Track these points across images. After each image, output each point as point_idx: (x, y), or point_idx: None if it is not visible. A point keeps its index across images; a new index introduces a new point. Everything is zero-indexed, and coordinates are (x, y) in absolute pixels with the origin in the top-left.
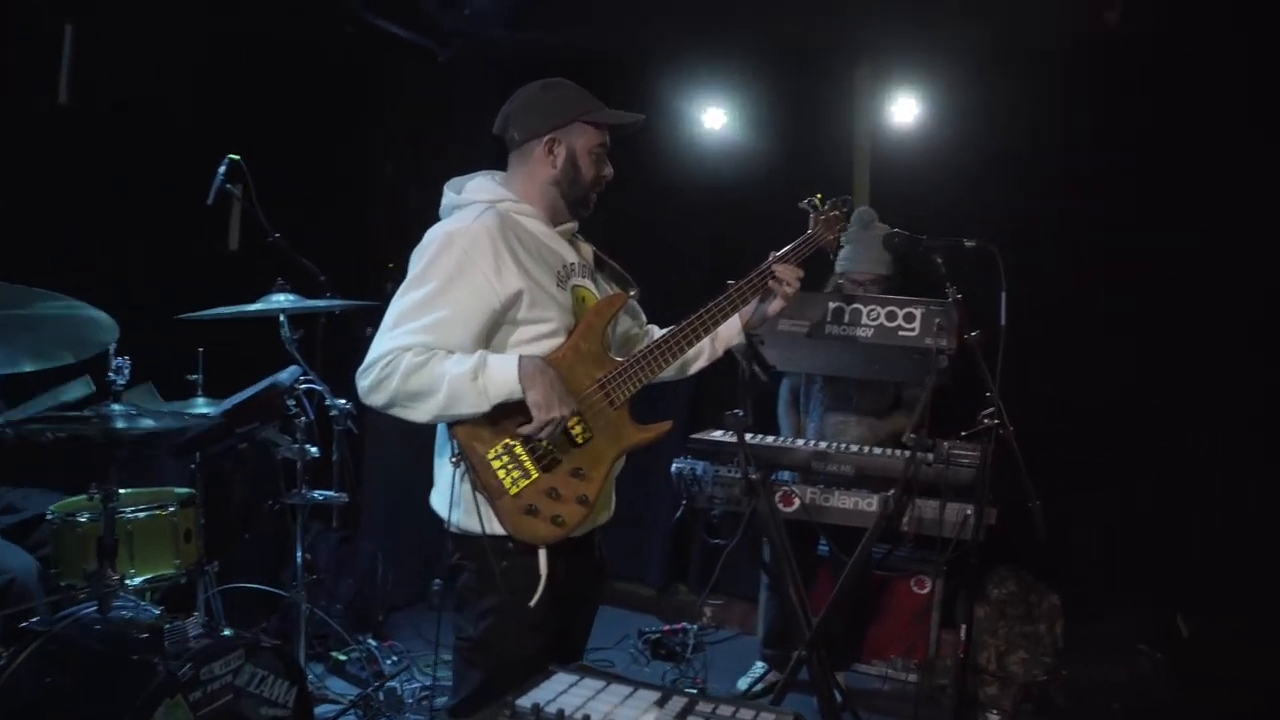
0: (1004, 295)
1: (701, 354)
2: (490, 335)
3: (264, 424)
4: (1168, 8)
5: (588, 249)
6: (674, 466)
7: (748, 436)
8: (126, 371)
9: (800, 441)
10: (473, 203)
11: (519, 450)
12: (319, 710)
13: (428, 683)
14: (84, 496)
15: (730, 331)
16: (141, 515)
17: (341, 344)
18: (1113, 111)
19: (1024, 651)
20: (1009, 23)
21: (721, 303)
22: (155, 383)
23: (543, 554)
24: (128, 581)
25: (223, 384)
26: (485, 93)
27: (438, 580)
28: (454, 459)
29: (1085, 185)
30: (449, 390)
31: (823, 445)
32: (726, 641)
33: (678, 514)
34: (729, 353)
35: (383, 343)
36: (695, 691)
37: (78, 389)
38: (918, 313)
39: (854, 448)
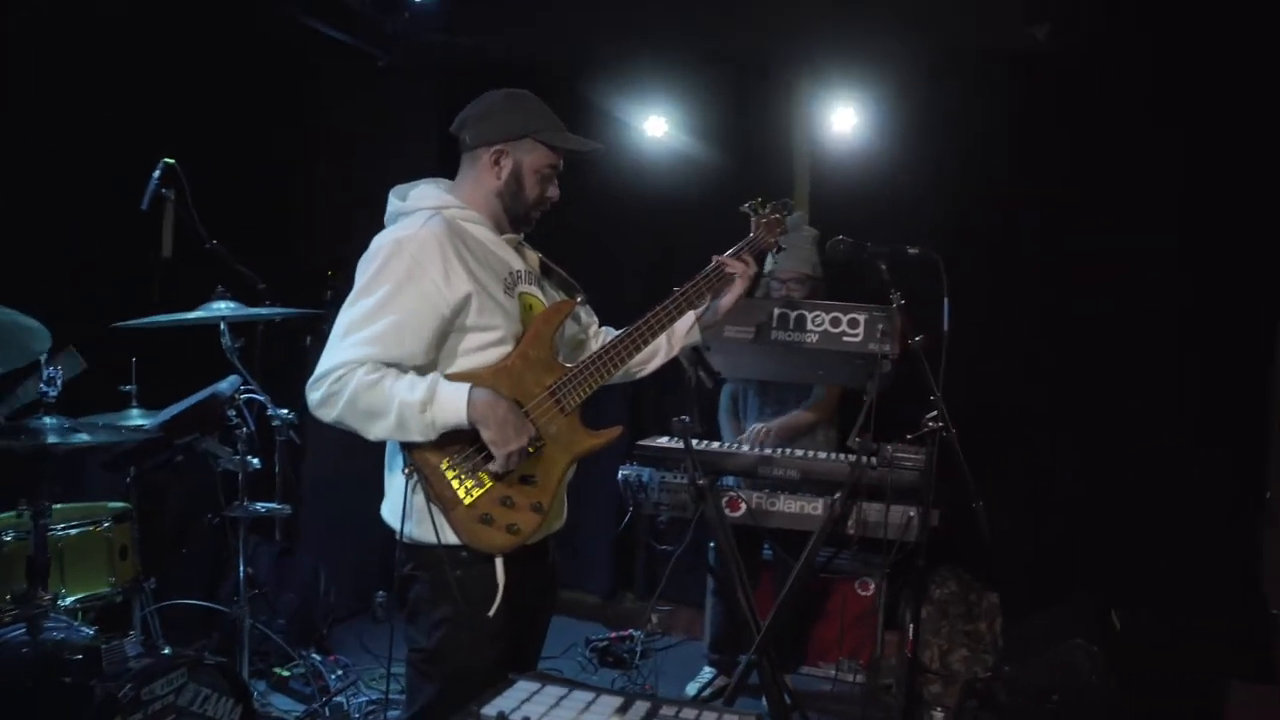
0: (946, 301)
1: (657, 354)
2: (440, 342)
3: (204, 435)
4: (1094, 26)
5: (534, 256)
6: (620, 473)
7: (694, 443)
8: (59, 382)
9: (745, 446)
10: (418, 209)
11: (473, 459)
12: None
13: (375, 697)
14: (12, 513)
15: (684, 329)
16: (73, 532)
17: (280, 353)
18: (1045, 122)
19: (966, 650)
20: (944, 36)
21: (669, 306)
22: (87, 394)
23: (499, 563)
24: (59, 602)
25: (157, 394)
26: (422, 99)
27: (381, 592)
28: (406, 470)
29: (1020, 192)
30: (398, 416)
31: (768, 450)
32: (673, 648)
33: (624, 520)
34: (674, 360)
35: (333, 354)
36: (655, 697)
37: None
38: (861, 318)
39: (799, 452)
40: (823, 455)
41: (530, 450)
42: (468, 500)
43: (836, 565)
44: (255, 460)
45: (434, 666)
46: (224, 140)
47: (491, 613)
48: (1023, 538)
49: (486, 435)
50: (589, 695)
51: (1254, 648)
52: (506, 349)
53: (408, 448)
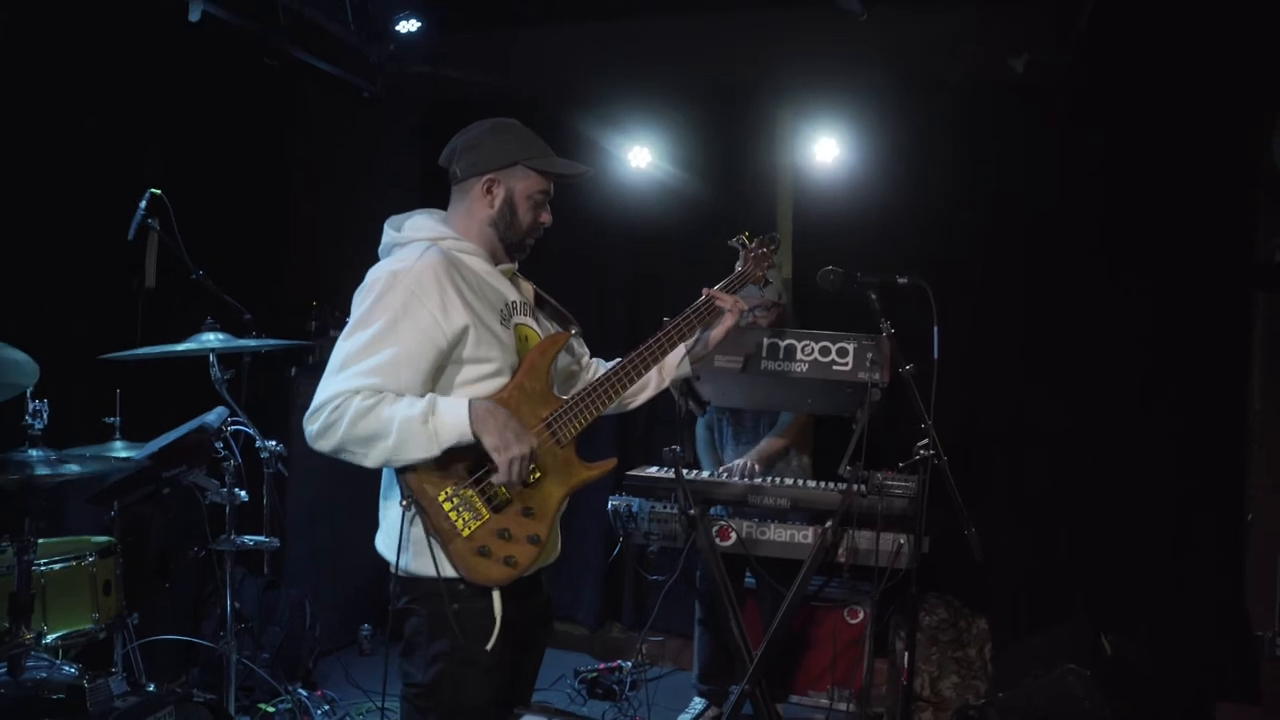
0: (936, 329)
1: (647, 386)
2: (437, 375)
3: (192, 467)
4: (1072, 58)
5: (528, 287)
6: (610, 503)
7: (684, 472)
8: (45, 415)
9: (735, 476)
10: (414, 240)
11: (469, 492)
12: None
13: None
14: None
15: (675, 361)
16: (57, 567)
17: (265, 384)
18: (1024, 151)
19: (956, 676)
20: (924, 68)
21: (661, 339)
22: (70, 426)
23: (497, 596)
24: (41, 640)
25: (140, 427)
26: (406, 131)
27: (366, 626)
28: (404, 502)
29: (1000, 221)
30: (399, 434)
31: (758, 479)
32: (662, 678)
33: (615, 551)
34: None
35: (330, 386)
36: None
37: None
38: (850, 347)
39: (789, 481)
40: (813, 484)
41: (532, 470)
42: (465, 532)
43: (826, 593)
44: (243, 493)
45: (430, 702)
46: (209, 170)
47: (489, 646)
48: (1011, 563)
49: (488, 442)
50: None
51: (1239, 669)
52: (502, 381)
53: (404, 479)
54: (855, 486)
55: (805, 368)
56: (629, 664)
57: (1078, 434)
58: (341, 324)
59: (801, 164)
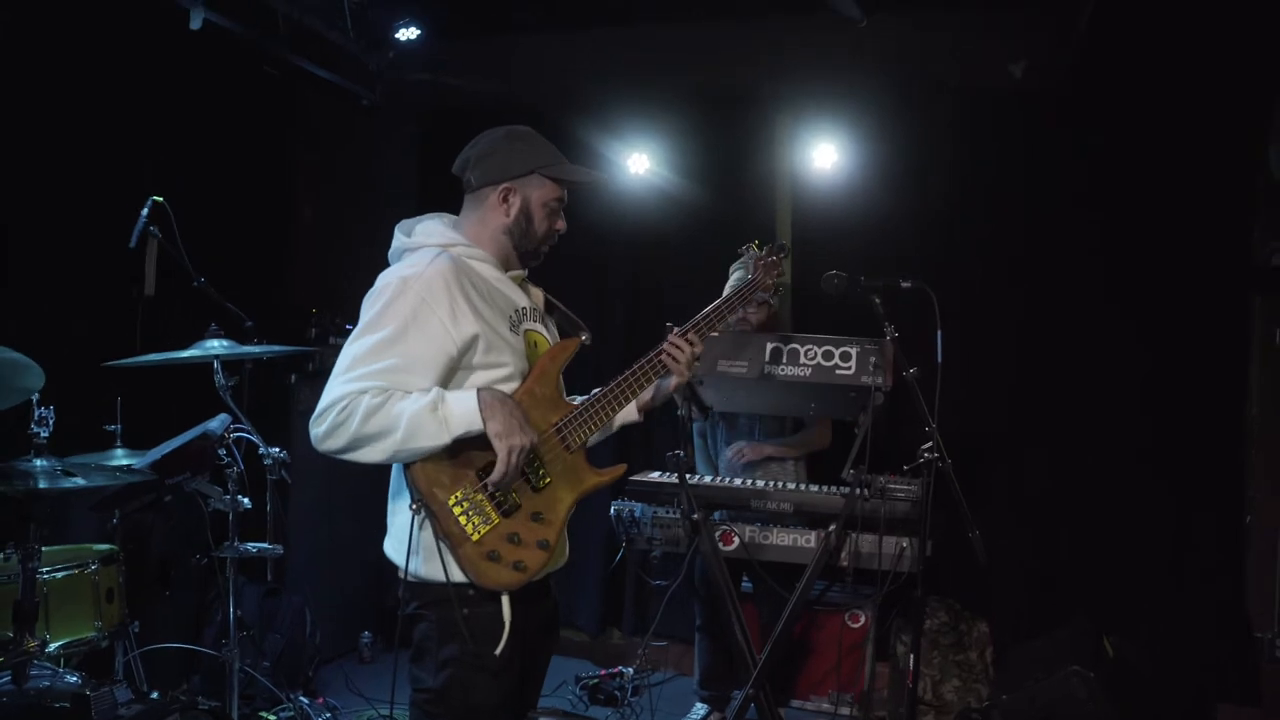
0: (940, 333)
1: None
2: (446, 381)
3: (194, 475)
4: (1070, 63)
5: (538, 293)
6: (612, 509)
7: (686, 477)
8: (50, 423)
9: (739, 480)
10: (424, 246)
11: (479, 496)
12: None
13: None
14: None
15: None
16: (59, 575)
17: (265, 392)
18: (1023, 156)
19: (957, 679)
20: (922, 73)
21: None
22: (70, 434)
23: (506, 600)
24: (45, 648)
25: (140, 434)
26: (405, 138)
27: (367, 633)
28: (414, 505)
29: (1000, 224)
30: (409, 425)
31: (761, 483)
32: (664, 684)
33: (618, 556)
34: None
35: (337, 387)
36: None
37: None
38: (854, 351)
39: (791, 485)
40: (815, 488)
41: (534, 477)
42: (475, 537)
43: (827, 598)
44: (246, 500)
45: (440, 707)
46: (211, 177)
47: (498, 651)
48: (1012, 566)
49: (492, 428)
50: None
51: (1240, 671)
52: (513, 386)
53: (414, 482)
54: (858, 490)
55: (809, 372)
56: (630, 670)
57: (1078, 437)
58: (342, 331)
59: (800, 169)
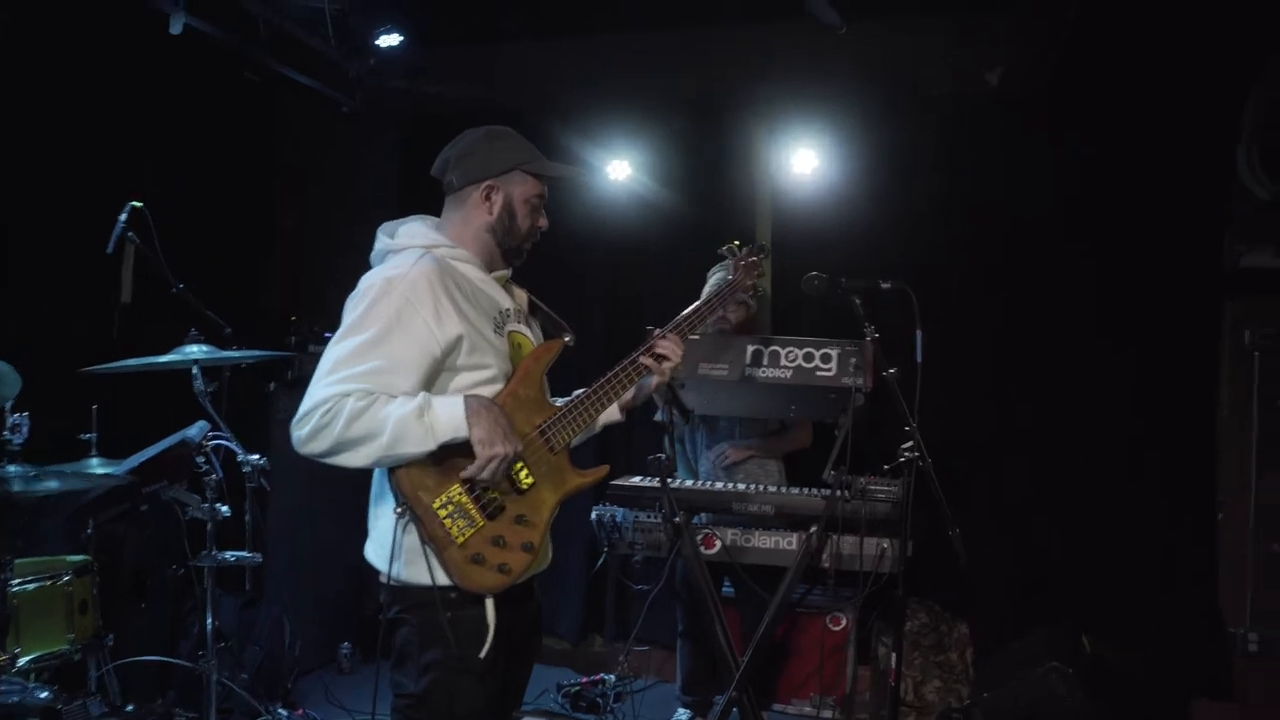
0: (919, 334)
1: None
2: (430, 383)
3: (172, 483)
4: (1049, 71)
5: (522, 295)
6: (593, 513)
7: (668, 481)
8: (25, 429)
9: (720, 484)
10: (407, 248)
11: (463, 499)
12: None
13: None
14: None
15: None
16: (31, 587)
17: (243, 399)
18: (1000, 161)
19: (939, 680)
20: (902, 80)
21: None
22: (44, 443)
23: (490, 603)
24: (15, 662)
25: (116, 443)
26: (385, 144)
27: (346, 644)
28: (399, 509)
29: (978, 228)
30: (394, 430)
31: (742, 486)
32: (646, 690)
33: (599, 561)
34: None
35: (320, 389)
36: None
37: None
38: (834, 352)
39: (772, 488)
40: (796, 490)
41: (518, 479)
42: (460, 540)
43: (809, 600)
44: (225, 508)
45: (423, 712)
46: (190, 182)
47: (482, 654)
48: (992, 566)
49: (476, 434)
50: None
51: (1214, 665)
52: (497, 387)
53: (399, 486)
54: (839, 492)
55: (789, 374)
56: (612, 677)
57: (1057, 438)
58: (320, 339)
59: (780, 175)
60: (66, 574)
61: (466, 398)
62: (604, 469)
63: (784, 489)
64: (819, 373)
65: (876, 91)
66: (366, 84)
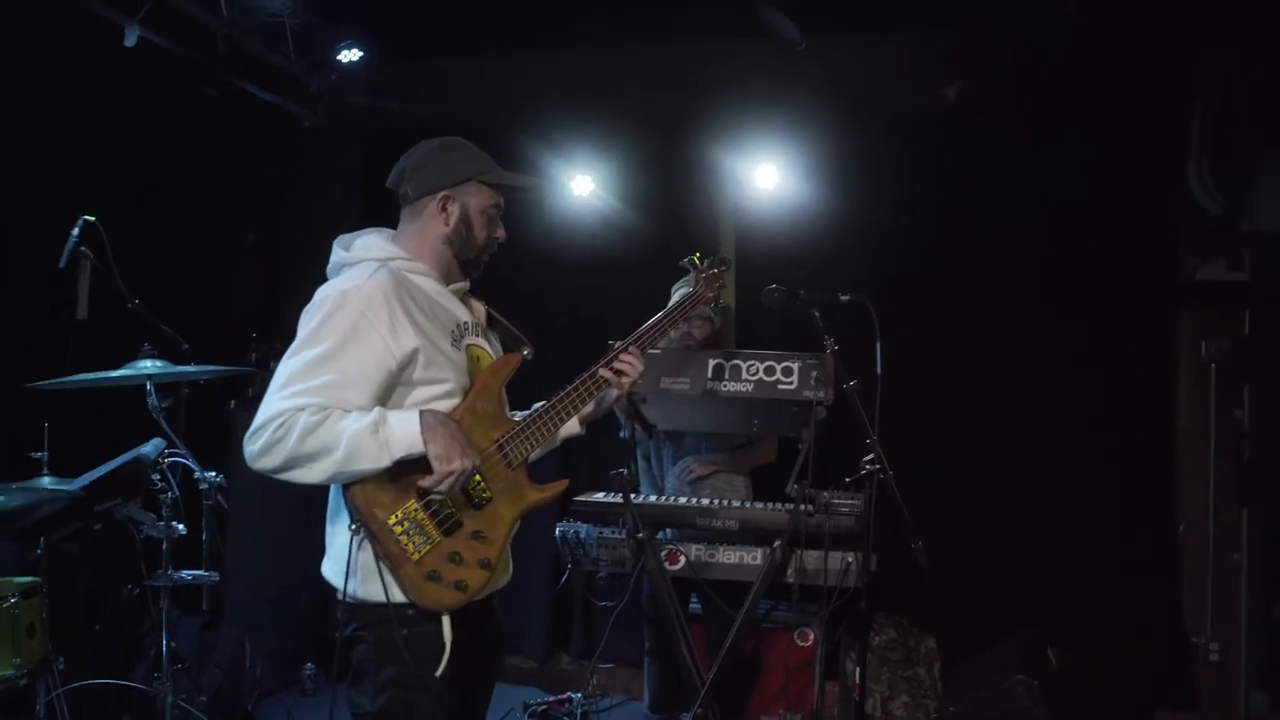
0: (878, 345)
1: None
2: (386, 397)
3: (126, 500)
4: (1001, 88)
5: (480, 307)
6: (557, 529)
7: (631, 496)
8: None
9: (684, 499)
10: (363, 260)
11: (420, 515)
12: None
13: None
14: None
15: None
16: None
17: (204, 416)
18: (959, 173)
19: (906, 696)
20: (860, 93)
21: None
22: None
23: (446, 621)
24: None
25: (70, 462)
26: (348, 159)
27: (309, 665)
28: (353, 526)
29: (940, 240)
30: (348, 446)
31: (706, 501)
32: (614, 709)
33: (563, 578)
34: (609, 414)
35: (273, 403)
36: None
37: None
38: (795, 366)
39: (736, 503)
40: (760, 505)
41: (475, 494)
42: (416, 556)
43: (776, 616)
44: (181, 526)
45: None
46: (147, 197)
47: (439, 672)
48: (957, 579)
49: (433, 450)
50: None
51: (1176, 675)
52: (454, 402)
53: (353, 502)
54: (802, 506)
55: (751, 387)
56: (579, 696)
57: (1020, 451)
58: (281, 356)
59: (743, 190)
60: (12, 595)
61: (422, 413)
62: (563, 484)
63: (748, 504)
64: (780, 386)
65: (837, 106)
66: (328, 99)
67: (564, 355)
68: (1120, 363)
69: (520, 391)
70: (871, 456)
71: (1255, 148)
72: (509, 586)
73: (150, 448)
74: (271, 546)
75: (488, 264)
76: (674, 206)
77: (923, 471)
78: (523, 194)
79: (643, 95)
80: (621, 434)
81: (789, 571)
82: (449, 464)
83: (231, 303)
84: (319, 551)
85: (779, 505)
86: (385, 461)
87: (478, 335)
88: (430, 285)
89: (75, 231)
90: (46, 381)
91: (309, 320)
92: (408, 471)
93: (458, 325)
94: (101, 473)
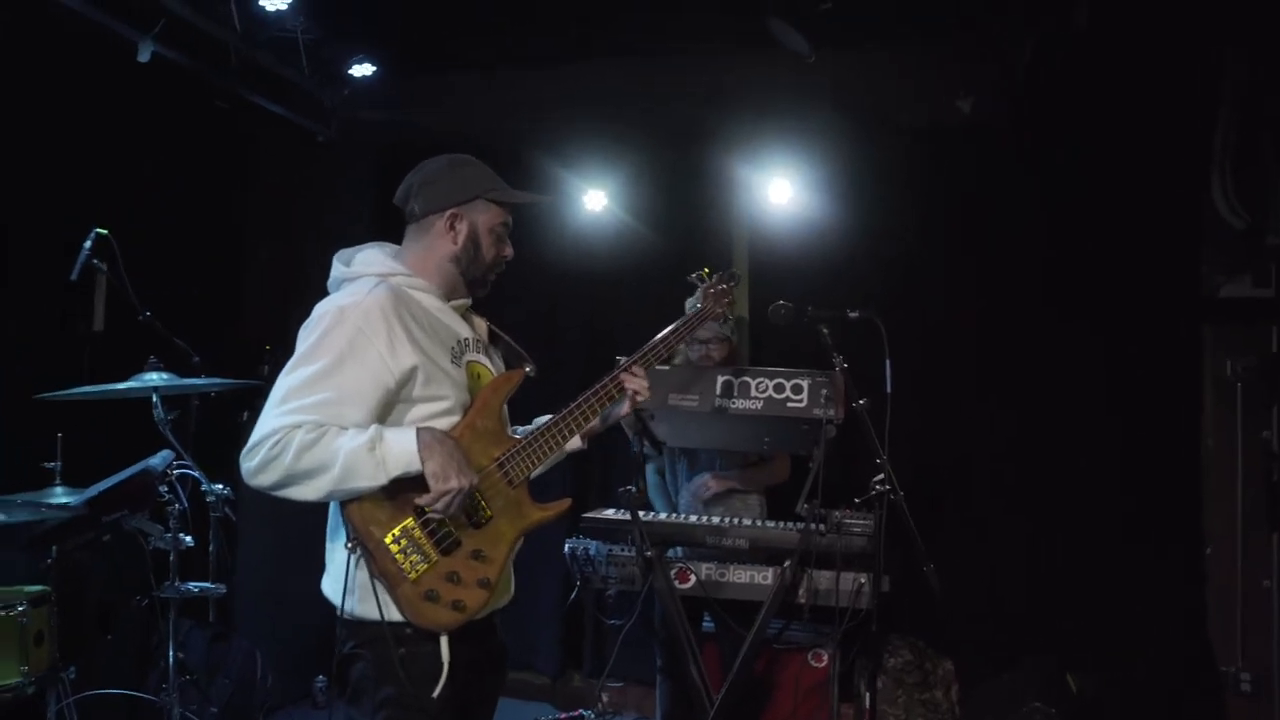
0: (889, 364)
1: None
2: (384, 414)
3: (134, 512)
4: (1015, 100)
5: (481, 324)
6: (566, 546)
7: (640, 513)
8: None
9: (694, 516)
10: (363, 276)
11: (417, 533)
12: None
13: None
14: None
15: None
16: None
17: (215, 428)
18: (977, 187)
19: (923, 719)
20: (874, 106)
21: (611, 383)
22: (8, 472)
23: (444, 641)
24: None
25: (83, 472)
26: (360, 174)
27: (321, 677)
28: (349, 544)
29: (955, 256)
30: (345, 463)
31: (716, 519)
32: None
33: (572, 595)
34: (618, 429)
35: (270, 420)
36: None
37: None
38: (805, 383)
39: (747, 521)
40: (771, 524)
41: (475, 513)
42: (413, 576)
43: (788, 636)
44: (188, 538)
45: None
46: (161, 211)
47: (436, 693)
48: (974, 601)
49: (429, 468)
50: None
51: (1205, 704)
52: (454, 419)
53: (350, 520)
54: (813, 525)
55: (760, 405)
56: (591, 713)
57: (1037, 470)
58: None
59: (756, 205)
60: (21, 604)
61: (419, 430)
62: (566, 502)
63: (759, 522)
64: (790, 404)
65: (850, 118)
66: (341, 113)
67: (576, 369)
68: (1143, 381)
69: (531, 406)
70: (881, 477)
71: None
72: (519, 602)
73: (158, 460)
74: (282, 559)
75: (495, 281)
76: (688, 220)
77: (936, 490)
78: (535, 209)
79: (656, 108)
80: (633, 450)
81: (800, 591)
82: (446, 482)
83: (243, 315)
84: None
85: (790, 524)
86: (382, 479)
87: (479, 352)
88: (430, 301)
89: (87, 244)
90: (54, 393)
91: (307, 336)
92: (406, 489)
93: (458, 342)
94: (109, 485)
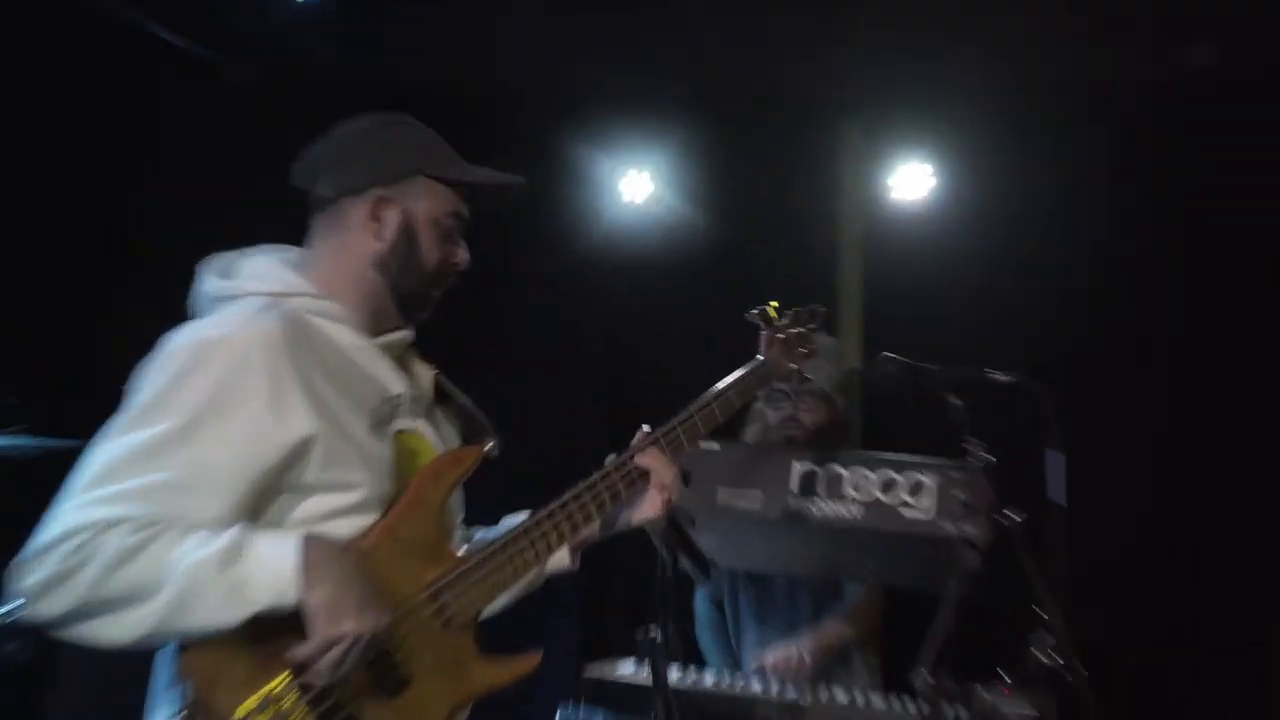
0: (1061, 456)
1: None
2: (258, 509)
3: None
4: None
5: (426, 372)
6: (559, 717)
7: (673, 672)
8: None
9: (756, 684)
10: (246, 294)
11: (288, 703)
12: None
13: None
14: None
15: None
16: None
17: (24, 512)
18: (1198, 178)
19: None
20: (1052, 65)
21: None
22: None
23: None
24: None
25: None
26: (298, 137)
27: None
28: (183, 713)
29: (1158, 281)
30: (182, 587)
31: (793, 694)
32: None
33: None
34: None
35: (70, 512)
36: None
37: None
38: (931, 481)
39: (841, 696)
40: (879, 701)
41: (388, 669)
42: None
43: None
44: None
45: None
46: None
47: None
48: None
49: (313, 600)
50: None
51: None
52: (368, 519)
53: (186, 680)
54: (944, 709)
55: (859, 511)
56: None
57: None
58: None
59: (878, 202)
60: None
61: (306, 540)
62: (531, 659)
63: (859, 696)
64: (906, 511)
65: (1017, 82)
66: (275, 49)
67: (596, 431)
68: None
69: (517, 490)
70: (1049, 639)
71: None
72: None
73: None
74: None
75: (465, 294)
76: (771, 221)
77: (1134, 660)
78: (551, 197)
79: (729, 63)
80: (663, 568)
81: None
82: (337, 625)
83: (106, 344)
84: None
85: (909, 703)
86: (237, 615)
87: (417, 416)
88: (346, 336)
89: None
90: None
91: (149, 383)
92: (277, 633)
93: (385, 400)
94: None
